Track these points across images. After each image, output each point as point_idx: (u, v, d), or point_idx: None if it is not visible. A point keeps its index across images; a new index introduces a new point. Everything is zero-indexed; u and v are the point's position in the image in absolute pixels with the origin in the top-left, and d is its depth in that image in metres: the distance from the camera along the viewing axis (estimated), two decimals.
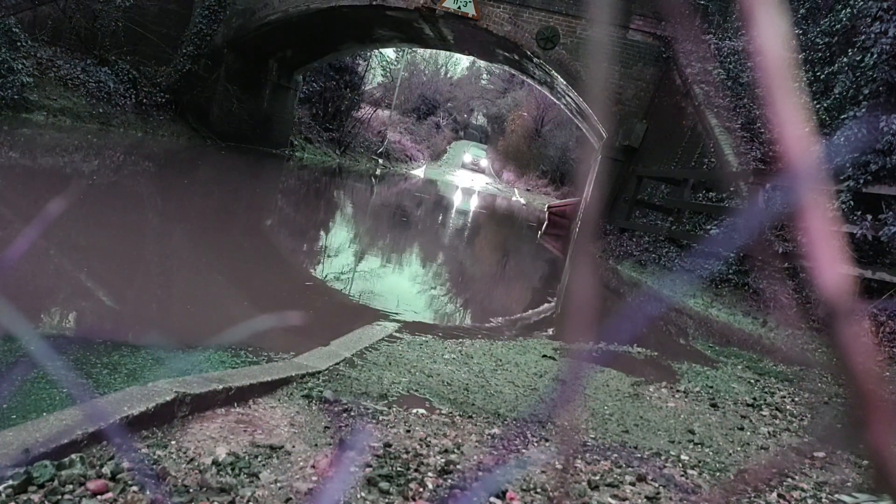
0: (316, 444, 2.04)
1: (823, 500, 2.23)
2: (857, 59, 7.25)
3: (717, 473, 2.43)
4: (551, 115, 33.58)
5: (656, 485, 2.13)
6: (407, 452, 2.08)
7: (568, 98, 15.42)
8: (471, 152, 47.01)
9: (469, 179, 35.67)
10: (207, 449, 1.82)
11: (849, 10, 7.84)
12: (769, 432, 3.15)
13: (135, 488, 1.47)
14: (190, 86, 14.60)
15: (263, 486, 1.65)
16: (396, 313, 4.73)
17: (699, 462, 2.55)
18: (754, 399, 3.71)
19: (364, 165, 25.90)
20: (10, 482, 1.37)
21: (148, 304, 4.03)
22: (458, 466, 2.01)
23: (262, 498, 1.59)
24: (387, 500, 1.71)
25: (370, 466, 1.89)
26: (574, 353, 4.21)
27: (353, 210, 13.23)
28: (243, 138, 16.82)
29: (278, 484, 1.68)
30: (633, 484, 2.10)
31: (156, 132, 13.64)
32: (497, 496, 1.83)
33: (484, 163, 45.63)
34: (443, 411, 2.67)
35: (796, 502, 2.17)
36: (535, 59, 13.67)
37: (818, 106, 7.66)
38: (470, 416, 2.66)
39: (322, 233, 9.20)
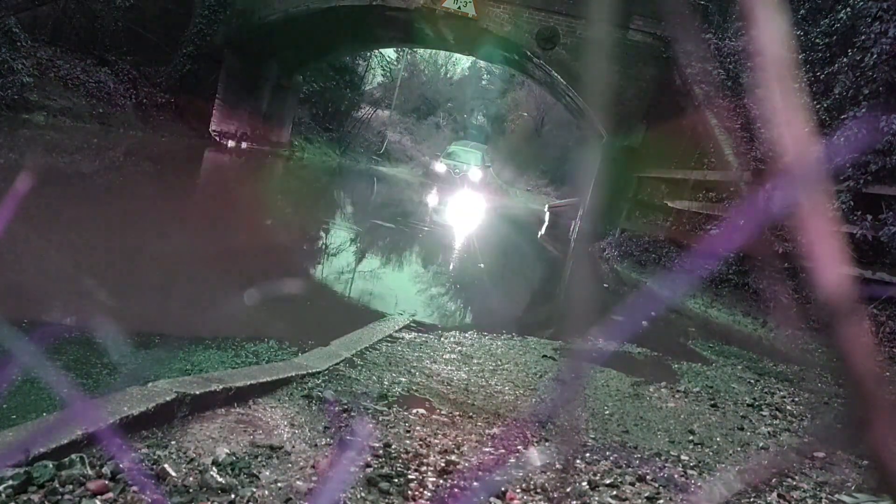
0: (316, 445, 2.03)
1: (823, 500, 2.23)
2: (857, 59, 7.24)
3: (717, 474, 2.43)
4: (551, 115, 33.53)
5: (656, 485, 2.13)
6: (407, 452, 2.08)
7: (568, 98, 15.41)
8: (454, 157, 25.96)
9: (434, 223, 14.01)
10: (207, 449, 1.82)
11: (849, 10, 7.84)
12: (769, 433, 3.14)
13: (135, 488, 1.47)
14: (190, 86, 14.58)
15: (263, 486, 1.65)
16: (396, 313, 4.73)
17: (699, 462, 2.55)
18: (754, 399, 3.71)
19: (364, 165, 25.88)
20: (10, 482, 1.37)
21: (148, 304, 4.02)
22: (458, 466, 2.01)
23: (262, 498, 1.59)
24: (387, 500, 1.71)
25: (370, 466, 1.89)
26: (574, 353, 4.21)
27: (352, 210, 13.22)
28: (243, 138, 16.81)
29: (278, 484, 1.68)
30: (633, 484, 2.09)
31: (156, 132, 13.62)
32: (497, 496, 1.83)
33: (476, 174, 25.02)
34: (443, 411, 2.67)
35: (796, 502, 2.17)
36: (535, 59, 13.65)
37: (818, 106, 7.65)
38: (470, 416, 2.66)
39: (321, 233, 9.20)
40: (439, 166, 25.33)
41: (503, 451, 2.29)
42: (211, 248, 6.04)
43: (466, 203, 20.53)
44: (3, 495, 1.34)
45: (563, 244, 13.49)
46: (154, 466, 1.62)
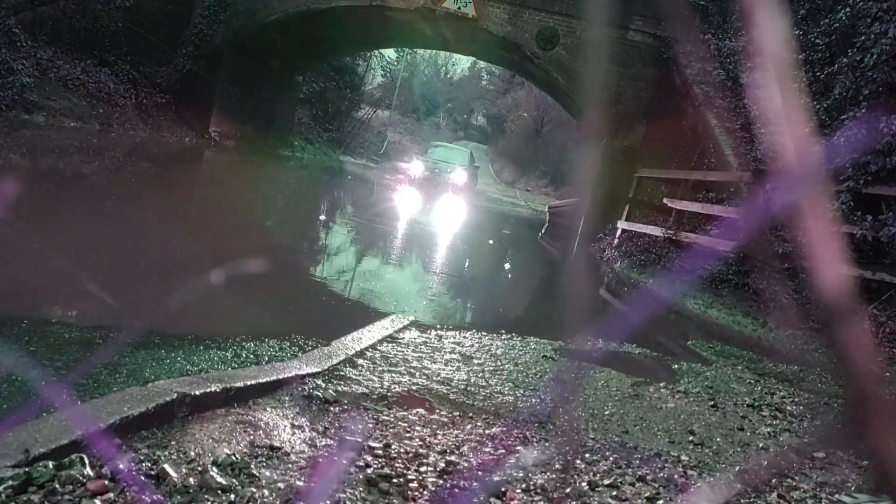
0: (316, 445, 2.03)
1: (823, 500, 2.23)
2: (857, 59, 7.24)
3: (717, 474, 2.43)
4: (551, 115, 33.54)
5: (656, 485, 2.13)
6: (407, 453, 2.08)
7: (568, 98, 15.41)
8: (436, 156, 22.43)
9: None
10: (207, 449, 1.82)
11: (849, 10, 7.84)
12: (769, 433, 3.14)
13: (135, 488, 1.47)
14: (190, 86, 14.58)
15: (263, 486, 1.65)
16: (396, 313, 4.73)
17: (699, 462, 2.55)
18: (754, 400, 3.71)
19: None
20: (10, 482, 1.37)
21: (148, 303, 4.03)
22: (458, 467, 2.01)
23: (262, 498, 1.58)
24: (387, 501, 1.71)
25: (370, 467, 1.89)
26: (574, 354, 4.20)
27: (352, 209, 13.22)
28: (243, 139, 16.81)
29: (278, 484, 1.68)
30: (633, 484, 2.09)
31: (156, 132, 13.63)
32: (497, 496, 1.83)
33: (461, 176, 21.24)
34: (443, 411, 2.67)
35: (796, 502, 2.17)
36: (534, 60, 13.66)
37: (818, 106, 7.65)
38: (470, 417, 2.66)
39: (321, 233, 9.20)
40: (416, 166, 21.60)
41: (503, 451, 2.29)
42: (210, 249, 6.04)
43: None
44: (3, 495, 1.34)
45: (564, 244, 13.48)
46: (154, 467, 1.62)
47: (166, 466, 1.61)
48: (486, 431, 2.48)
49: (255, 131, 17.29)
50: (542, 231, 15.68)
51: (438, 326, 4.49)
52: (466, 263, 9.29)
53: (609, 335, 4.63)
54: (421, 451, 2.12)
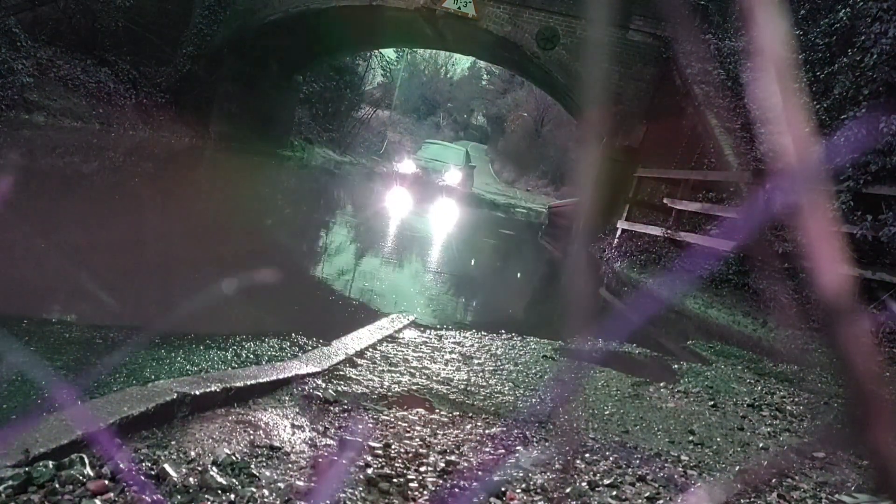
0: (316, 445, 2.04)
1: (823, 500, 2.23)
2: (857, 59, 7.24)
3: (717, 474, 2.43)
4: (551, 115, 33.51)
5: (656, 485, 2.13)
6: (407, 452, 2.08)
7: (568, 98, 15.41)
8: (430, 155, 21.50)
9: None
10: (207, 449, 1.82)
11: (849, 10, 7.84)
12: (769, 433, 3.14)
13: (135, 488, 1.47)
14: (190, 86, 14.57)
15: (263, 486, 1.65)
16: (396, 313, 4.73)
17: (699, 462, 2.55)
18: (754, 399, 3.71)
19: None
20: (10, 482, 1.37)
21: (148, 304, 4.03)
22: (458, 466, 2.01)
23: (262, 498, 1.59)
24: (387, 500, 1.71)
25: (370, 466, 1.89)
26: (574, 354, 4.21)
27: (352, 209, 13.23)
28: (244, 138, 16.81)
29: (278, 484, 1.68)
30: (633, 484, 2.09)
31: (156, 132, 13.62)
32: (497, 496, 1.83)
33: (455, 176, 20.65)
34: (443, 411, 2.67)
35: (796, 502, 2.17)
36: (535, 60, 13.66)
37: (818, 106, 7.65)
38: (470, 416, 2.66)
39: (321, 233, 9.20)
40: (407, 165, 20.78)
41: (503, 451, 2.29)
42: (210, 249, 6.04)
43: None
44: (3, 495, 1.34)
45: (564, 244, 13.48)
46: (154, 466, 1.62)
47: (166, 466, 1.61)
48: (486, 431, 2.48)
49: (254, 131, 17.28)
50: (542, 231, 15.67)
51: (438, 326, 4.49)
52: (466, 263, 9.29)
53: (609, 335, 4.64)
54: (421, 450, 2.12)
